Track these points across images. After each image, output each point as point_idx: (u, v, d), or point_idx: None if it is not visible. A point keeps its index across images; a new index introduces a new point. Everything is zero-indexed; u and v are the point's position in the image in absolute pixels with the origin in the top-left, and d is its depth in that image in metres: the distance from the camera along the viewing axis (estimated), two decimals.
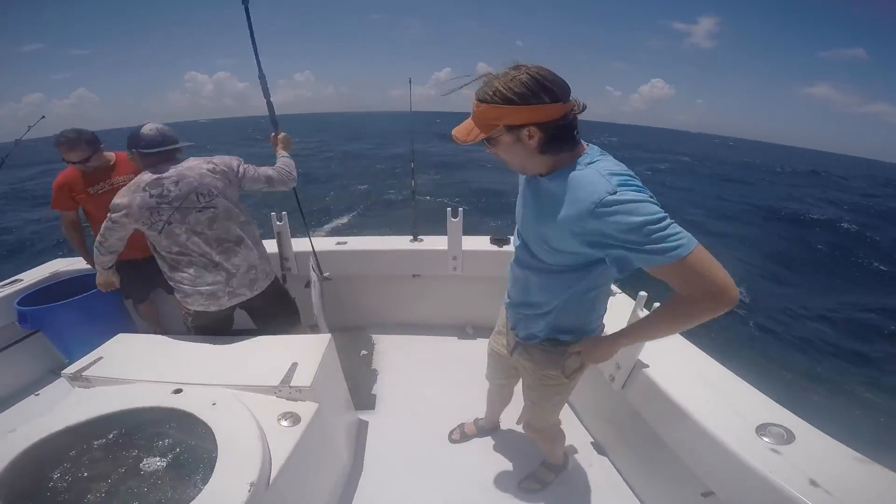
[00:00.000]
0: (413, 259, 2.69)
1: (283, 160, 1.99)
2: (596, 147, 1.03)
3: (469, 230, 2.55)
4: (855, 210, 18.41)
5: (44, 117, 2.87)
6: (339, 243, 2.75)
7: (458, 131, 1.01)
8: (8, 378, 2.45)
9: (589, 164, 0.96)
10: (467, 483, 1.82)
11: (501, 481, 1.82)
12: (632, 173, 0.94)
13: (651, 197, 0.90)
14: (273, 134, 2.10)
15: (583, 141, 1.02)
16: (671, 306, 0.97)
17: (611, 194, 0.88)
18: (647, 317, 1.12)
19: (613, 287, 2.05)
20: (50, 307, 2.23)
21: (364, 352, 2.69)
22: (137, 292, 2.46)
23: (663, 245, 0.85)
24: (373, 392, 2.36)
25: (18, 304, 2.29)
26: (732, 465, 1.12)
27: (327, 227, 11.17)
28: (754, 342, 6.05)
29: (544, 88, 0.89)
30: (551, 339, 1.26)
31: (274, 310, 2.00)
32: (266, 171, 1.89)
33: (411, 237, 2.74)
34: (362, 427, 2.11)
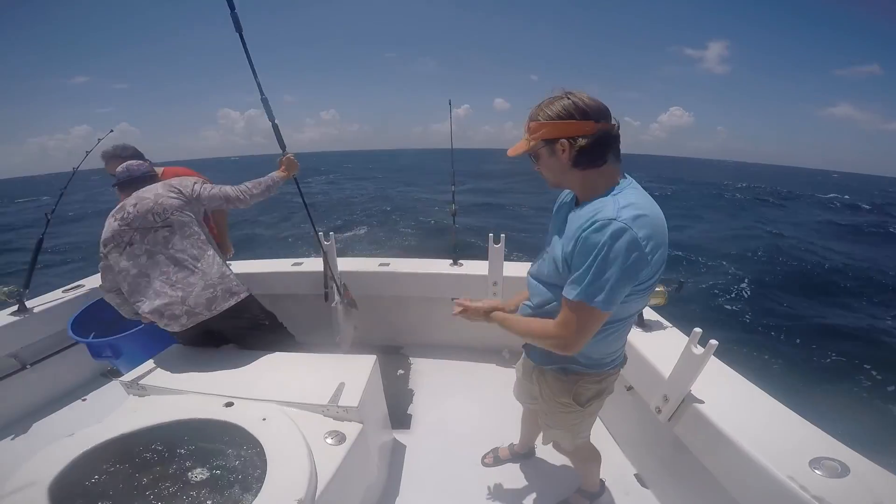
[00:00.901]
0: (453, 283, 2.71)
1: (258, 180, 1.96)
2: (631, 179, 1.08)
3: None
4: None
5: (112, 131, 3.08)
6: (381, 264, 2.81)
7: (512, 150, 1.16)
8: (58, 380, 2.57)
9: (616, 194, 1.02)
10: None
11: None
12: (648, 211, 0.99)
13: (643, 263, 0.96)
14: (281, 157, 2.07)
15: (625, 173, 1.09)
16: (544, 323, 1.13)
17: (611, 219, 0.94)
18: (524, 317, 1.26)
19: (663, 320, 2.01)
20: (126, 336, 2.08)
21: (401, 371, 2.71)
22: None
23: (580, 283, 0.98)
24: (408, 412, 2.37)
25: (73, 328, 2.22)
26: (783, 497, 1.09)
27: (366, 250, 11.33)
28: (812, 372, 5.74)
29: (578, 108, 1.01)
30: (562, 367, 1.28)
31: (244, 330, 1.91)
32: (226, 190, 1.89)
33: (451, 261, 2.77)
34: (397, 447, 2.11)
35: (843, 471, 1.09)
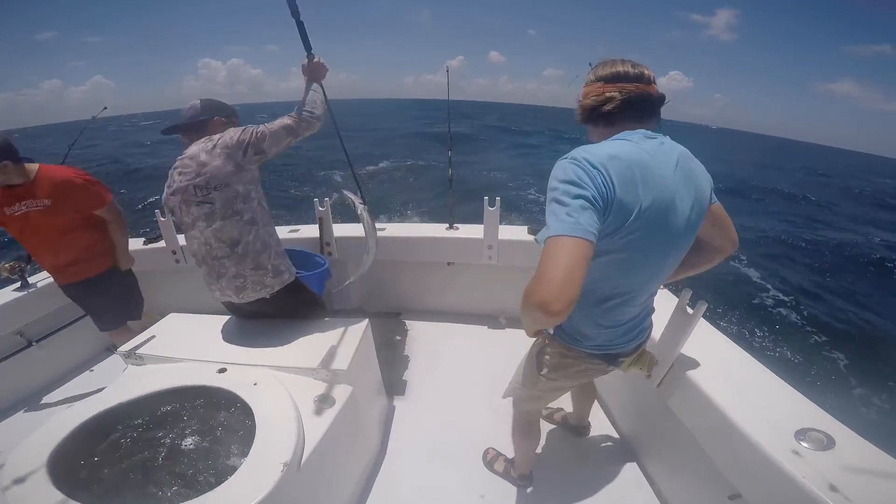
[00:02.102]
0: (448, 247, 2.70)
1: (308, 97, 1.66)
2: (638, 133, 0.99)
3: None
4: None
5: (105, 108, 3.07)
6: (377, 229, 2.79)
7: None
8: (68, 355, 2.65)
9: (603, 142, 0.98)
10: (488, 475, 1.82)
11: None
12: (609, 159, 0.88)
13: (581, 179, 0.85)
14: (305, 61, 1.68)
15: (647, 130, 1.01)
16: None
17: (561, 158, 0.92)
18: None
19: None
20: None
21: (398, 337, 2.74)
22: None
23: (547, 218, 0.86)
24: (404, 378, 2.40)
25: None
26: (765, 468, 1.08)
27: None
28: (803, 342, 5.76)
29: (595, 73, 1.06)
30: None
31: (278, 311, 1.82)
32: (283, 121, 1.61)
33: (447, 225, 2.75)
34: (392, 412, 2.15)
35: (828, 443, 1.08)
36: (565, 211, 0.82)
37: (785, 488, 1.02)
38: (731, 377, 1.36)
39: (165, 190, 1.63)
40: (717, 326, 1.65)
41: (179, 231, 1.64)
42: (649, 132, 0.99)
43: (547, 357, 1.29)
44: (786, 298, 6.97)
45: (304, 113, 1.63)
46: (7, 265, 2.40)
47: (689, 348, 1.48)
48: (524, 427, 1.61)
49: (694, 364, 1.43)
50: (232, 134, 1.54)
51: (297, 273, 1.81)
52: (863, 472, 1.00)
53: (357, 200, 1.78)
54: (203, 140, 1.57)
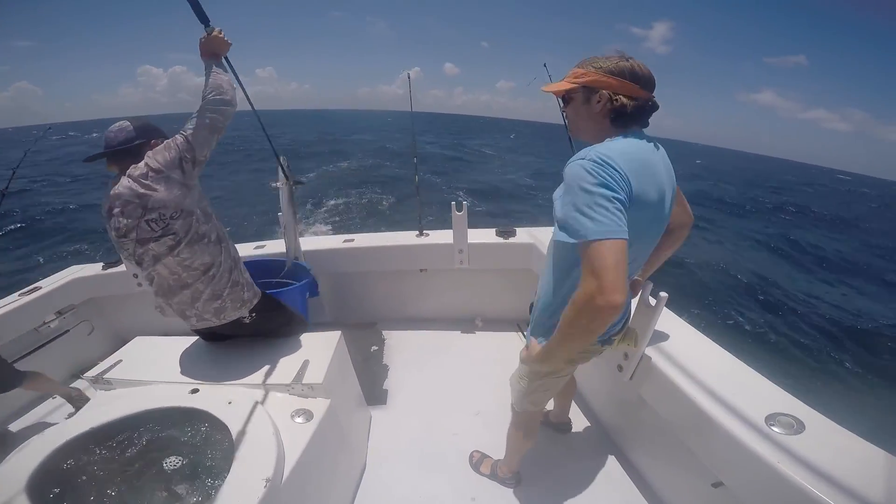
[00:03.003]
0: (419, 254, 2.72)
1: (212, 80, 1.44)
2: (639, 133, 1.09)
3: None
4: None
5: (50, 128, 2.96)
6: (346, 241, 2.79)
7: (548, 87, 1.18)
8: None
9: (613, 139, 1.04)
10: (477, 477, 1.84)
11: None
12: (620, 157, 0.95)
13: (613, 180, 0.92)
14: (203, 37, 1.48)
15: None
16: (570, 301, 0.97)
17: (579, 159, 0.96)
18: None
19: None
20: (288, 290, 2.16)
21: (374, 347, 2.73)
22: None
23: (582, 220, 0.90)
24: (384, 387, 2.40)
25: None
26: (741, 455, 1.11)
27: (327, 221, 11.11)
28: (764, 332, 6.07)
29: (631, 71, 1.03)
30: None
31: (257, 328, 1.72)
32: (198, 121, 1.42)
33: (417, 232, 2.77)
34: (374, 422, 2.14)
35: (798, 427, 1.11)
36: (604, 214, 0.89)
37: (762, 473, 1.06)
38: (700, 366, 1.40)
39: (112, 233, 1.43)
40: (685, 317, 1.70)
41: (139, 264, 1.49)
42: (642, 132, 1.10)
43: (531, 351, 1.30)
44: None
45: (214, 101, 1.42)
46: None
47: (657, 339, 1.53)
48: (527, 425, 1.61)
49: (663, 355, 1.47)
50: (158, 157, 1.38)
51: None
52: (833, 452, 1.04)
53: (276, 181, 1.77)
54: (130, 171, 1.37)
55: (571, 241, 0.93)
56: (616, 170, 0.93)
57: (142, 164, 1.37)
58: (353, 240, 2.79)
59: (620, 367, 1.60)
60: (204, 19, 1.47)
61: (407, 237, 2.77)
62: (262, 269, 2.28)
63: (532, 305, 1.40)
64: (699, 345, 1.55)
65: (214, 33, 1.47)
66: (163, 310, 1.60)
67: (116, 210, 1.37)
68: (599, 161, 0.93)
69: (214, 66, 1.47)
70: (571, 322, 0.97)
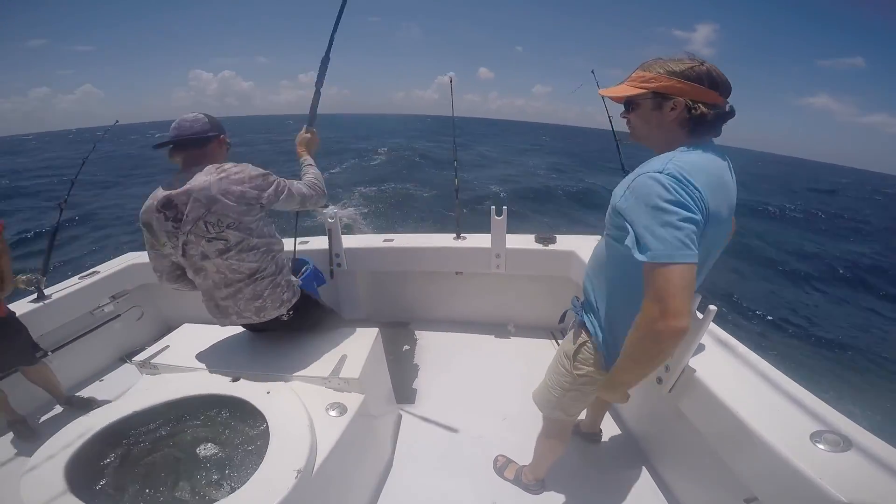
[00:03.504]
0: (456, 256, 2.72)
1: (312, 173, 1.70)
2: (713, 144, 1.03)
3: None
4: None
5: (117, 121, 3.17)
6: (386, 240, 2.83)
7: (607, 91, 1.07)
8: (81, 365, 2.69)
9: (684, 149, 0.98)
10: (500, 481, 1.82)
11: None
12: (698, 173, 0.91)
13: (690, 199, 0.87)
14: (303, 131, 1.80)
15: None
16: (633, 324, 0.93)
17: (655, 171, 0.90)
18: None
19: None
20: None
21: (406, 347, 2.76)
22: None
23: (650, 239, 0.86)
24: (413, 387, 2.41)
25: None
26: (782, 470, 1.07)
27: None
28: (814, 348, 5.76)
29: (710, 76, 0.95)
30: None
31: (296, 328, 1.78)
32: (302, 189, 1.60)
33: (454, 235, 2.77)
34: (402, 421, 2.16)
35: (844, 445, 1.07)
36: (677, 235, 0.84)
37: (802, 490, 1.02)
38: (743, 380, 1.36)
39: (161, 219, 1.45)
40: (731, 331, 1.63)
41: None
42: (714, 143, 1.03)
43: (582, 353, 1.29)
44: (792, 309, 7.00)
45: (316, 197, 1.64)
46: (24, 277, 2.44)
47: (699, 353, 1.48)
48: (559, 433, 1.58)
49: (705, 368, 1.42)
50: (253, 180, 1.44)
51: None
52: (880, 471, 1.00)
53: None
54: (212, 170, 1.42)
55: (638, 257, 0.88)
56: (695, 188, 0.88)
57: (232, 171, 1.42)
58: (392, 240, 2.82)
59: (660, 380, 1.55)
60: (310, 121, 1.83)
61: (444, 239, 2.78)
62: None
63: (564, 315, 1.38)
64: (741, 357, 1.50)
65: (313, 134, 1.80)
66: (208, 307, 1.65)
67: (182, 199, 1.40)
68: (678, 177, 0.87)
69: (310, 161, 1.76)
70: (635, 347, 0.94)
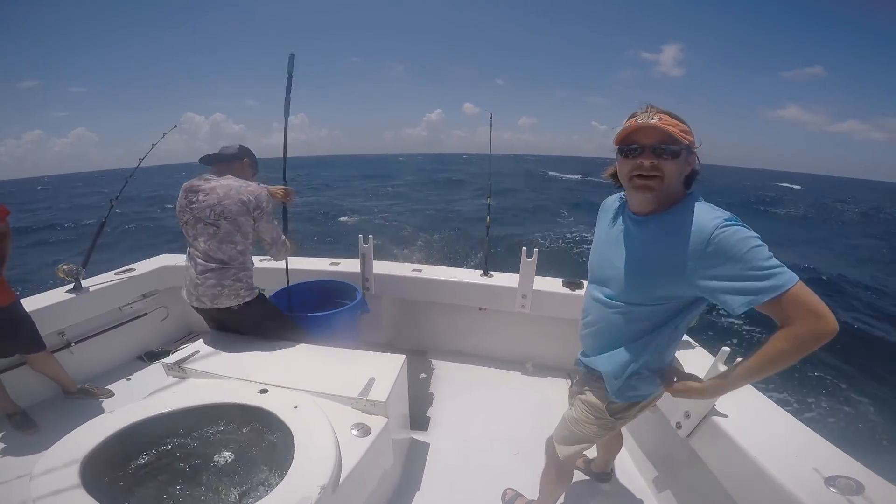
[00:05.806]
0: (482, 293, 2.76)
1: (283, 246, 2.09)
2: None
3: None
4: None
5: (176, 126, 3.33)
6: (414, 270, 2.89)
7: (665, 122, 1.02)
8: (101, 359, 2.73)
9: (697, 201, 1.05)
10: None
11: None
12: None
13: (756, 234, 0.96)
14: (283, 188, 2.17)
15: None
16: (774, 343, 0.97)
17: (729, 222, 0.96)
18: (746, 360, 1.04)
19: (691, 340, 2.00)
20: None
21: (423, 375, 2.76)
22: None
23: (769, 280, 0.92)
24: (427, 414, 2.41)
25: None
26: None
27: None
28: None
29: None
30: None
31: (249, 326, 2.04)
32: (279, 232, 2.05)
33: (482, 272, 2.82)
34: (414, 446, 2.15)
35: (857, 488, 1.12)
36: (779, 264, 0.94)
37: None
38: (759, 425, 1.41)
39: (185, 200, 1.92)
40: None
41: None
42: None
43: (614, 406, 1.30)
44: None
45: (287, 247, 2.10)
46: (64, 267, 2.53)
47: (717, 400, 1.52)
48: (562, 471, 1.56)
49: (723, 413, 1.47)
50: (258, 200, 1.89)
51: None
52: None
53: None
54: (238, 179, 1.93)
55: (767, 297, 0.92)
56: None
57: (252, 188, 1.91)
58: (420, 270, 2.88)
59: (679, 425, 1.61)
60: (284, 175, 2.23)
61: (471, 275, 2.84)
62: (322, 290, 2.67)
63: (578, 361, 1.41)
64: (757, 403, 1.57)
65: (288, 188, 2.20)
66: (185, 286, 2.01)
67: (204, 188, 1.88)
68: (743, 224, 0.96)
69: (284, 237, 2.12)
70: (788, 357, 0.96)
